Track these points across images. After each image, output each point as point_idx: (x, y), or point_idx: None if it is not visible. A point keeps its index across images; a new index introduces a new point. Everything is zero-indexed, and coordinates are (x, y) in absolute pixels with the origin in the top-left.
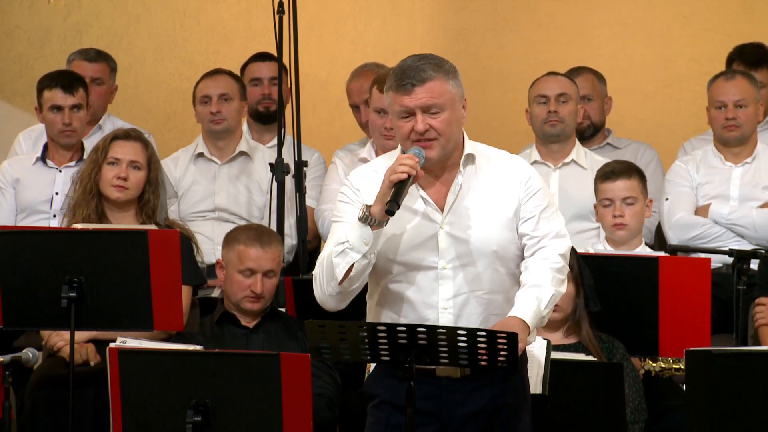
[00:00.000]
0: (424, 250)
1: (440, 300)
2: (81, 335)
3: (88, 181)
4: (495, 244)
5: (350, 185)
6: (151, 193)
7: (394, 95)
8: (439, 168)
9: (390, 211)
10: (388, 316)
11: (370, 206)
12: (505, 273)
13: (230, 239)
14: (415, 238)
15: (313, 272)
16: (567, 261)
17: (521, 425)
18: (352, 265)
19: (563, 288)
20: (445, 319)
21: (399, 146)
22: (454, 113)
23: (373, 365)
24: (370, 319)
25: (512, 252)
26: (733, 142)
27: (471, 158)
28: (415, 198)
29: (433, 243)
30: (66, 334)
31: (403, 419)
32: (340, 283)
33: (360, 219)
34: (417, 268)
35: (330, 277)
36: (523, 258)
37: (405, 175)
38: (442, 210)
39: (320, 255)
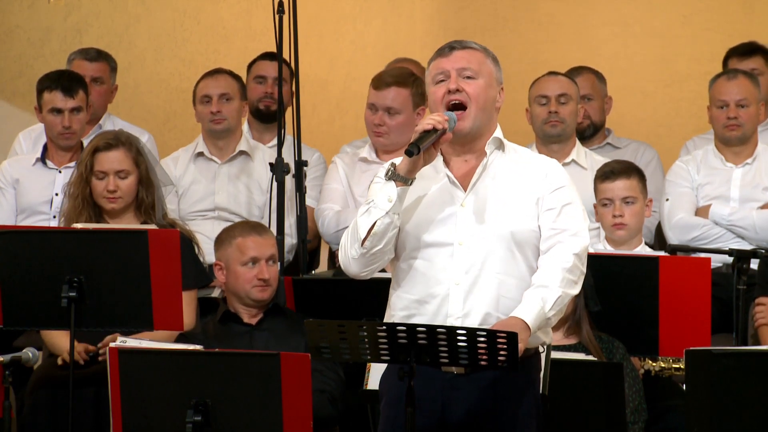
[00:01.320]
0: (443, 226)
1: (453, 275)
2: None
3: (78, 194)
4: (512, 226)
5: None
6: (144, 192)
7: (433, 64)
8: (467, 148)
9: (409, 152)
10: (399, 297)
11: (396, 164)
12: (521, 259)
13: (224, 238)
14: (435, 214)
15: (341, 241)
16: (582, 261)
17: (526, 428)
18: (375, 223)
19: (574, 290)
20: (455, 295)
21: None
22: (489, 87)
23: (374, 365)
24: (390, 301)
25: (530, 241)
26: (735, 142)
27: (500, 144)
28: (441, 175)
29: (452, 220)
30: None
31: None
32: (363, 243)
33: (385, 175)
34: (433, 244)
35: (354, 238)
36: (540, 253)
37: (430, 126)
38: (465, 189)
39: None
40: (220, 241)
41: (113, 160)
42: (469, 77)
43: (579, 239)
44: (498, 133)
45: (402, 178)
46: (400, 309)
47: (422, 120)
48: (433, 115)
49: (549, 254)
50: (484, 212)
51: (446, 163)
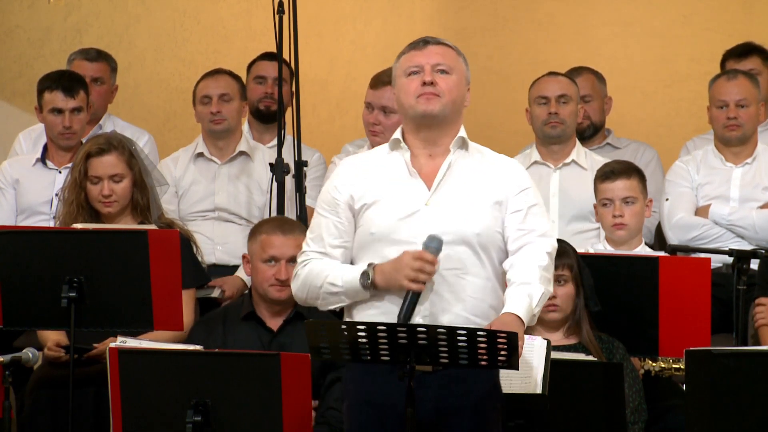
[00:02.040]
0: (407, 225)
1: None
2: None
3: (73, 200)
4: (477, 226)
5: (341, 172)
6: (138, 194)
7: (405, 57)
8: (432, 141)
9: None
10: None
11: (374, 269)
12: (486, 260)
13: (254, 231)
14: (399, 213)
15: (297, 270)
16: (553, 260)
17: (492, 426)
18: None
19: (551, 287)
20: (421, 295)
21: (390, 140)
22: (460, 84)
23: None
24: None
25: (495, 242)
26: (734, 142)
27: (464, 143)
28: (406, 173)
29: (415, 219)
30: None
31: (379, 417)
32: (322, 305)
33: (361, 284)
34: (397, 242)
35: (314, 296)
36: (506, 253)
37: (423, 287)
38: (429, 187)
39: (306, 256)
40: (251, 233)
41: (107, 164)
42: (443, 71)
43: (549, 239)
44: (462, 132)
45: (375, 289)
46: (364, 307)
47: (414, 265)
48: (426, 266)
49: (522, 254)
50: (448, 212)
51: (411, 159)
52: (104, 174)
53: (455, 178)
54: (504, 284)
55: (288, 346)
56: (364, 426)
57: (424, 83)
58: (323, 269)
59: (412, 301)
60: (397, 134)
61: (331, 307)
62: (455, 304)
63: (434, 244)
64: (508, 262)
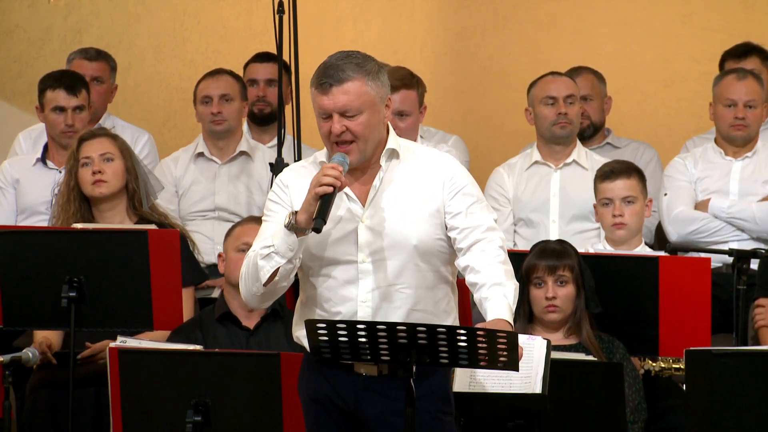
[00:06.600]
0: (345, 244)
1: (359, 293)
2: None
3: (65, 189)
4: (415, 238)
5: (280, 183)
6: (133, 183)
7: (314, 93)
8: (362, 165)
9: (317, 229)
10: (304, 314)
11: (296, 213)
12: (428, 269)
13: (229, 231)
14: (336, 233)
15: (240, 270)
16: (506, 251)
17: (439, 426)
18: (277, 268)
19: (515, 280)
20: (363, 313)
21: (317, 161)
22: (373, 115)
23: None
24: (296, 314)
25: (435, 248)
26: (739, 142)
27: (394, 153)
28: (340, 194)
29: (353, 237)
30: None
31: (330, 416)
32: (265, 285)
33: (286, 226)
34: (338, 262)
35: (255, 278)
36: (448, 256)
37: (330, 189)
38: (363, 204)
39: (248, 253)
40: (227, 233)
41: (96, 145)
42: (351, 115)
43: (496, 232)
44: (391, 142)
45: (303, 229)
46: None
47: (317, 175)
48: (327, 170)
49: (476, 252)
50: (385, 227)
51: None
52: (95, 153)
53: (388, 192)
54: (443, 279)
55: (264, 345)
56: (317, 425)
57: (335, 133)
58: (255, 251)
59: (323, 200)
60: (323, 157)
61: (269, 275)
62: (397, 320)
63: (339, 158)
64: (464, 262)
